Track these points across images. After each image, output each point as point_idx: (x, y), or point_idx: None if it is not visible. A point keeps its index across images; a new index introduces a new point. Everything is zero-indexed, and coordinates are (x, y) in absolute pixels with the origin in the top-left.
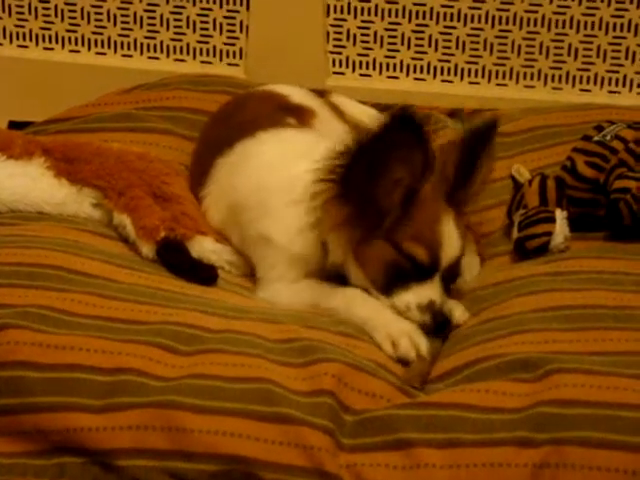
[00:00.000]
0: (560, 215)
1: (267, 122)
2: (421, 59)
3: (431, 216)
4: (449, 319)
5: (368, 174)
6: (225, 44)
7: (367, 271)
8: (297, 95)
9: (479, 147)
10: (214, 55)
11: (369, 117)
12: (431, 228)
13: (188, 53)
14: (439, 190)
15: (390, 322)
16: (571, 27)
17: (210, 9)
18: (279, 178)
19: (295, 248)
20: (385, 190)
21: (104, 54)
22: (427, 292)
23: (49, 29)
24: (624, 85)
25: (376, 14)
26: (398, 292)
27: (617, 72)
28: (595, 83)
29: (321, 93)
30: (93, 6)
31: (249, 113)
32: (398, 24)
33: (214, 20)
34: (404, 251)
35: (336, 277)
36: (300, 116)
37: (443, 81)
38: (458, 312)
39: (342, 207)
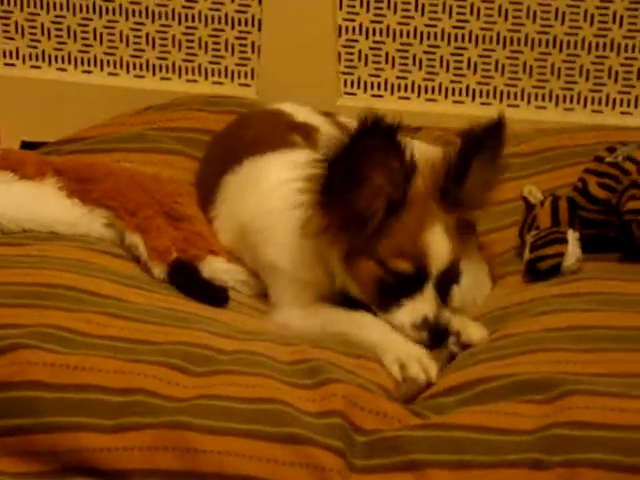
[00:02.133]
0: (572, 236)
1: (274, 140)
2: (432, 80)
3: (414, 225)
4: (447, 329)
5: (347, 182)
6: (237, 65)
7: (362, 290)
8: (301, 113)
9: (479, 145)
10: (226, 76)
11: None
12: (414, 238)
13: (200, 74)
14: (427, 194)
15: (399, 345)
16: (582, 48)
17: (222, 30)
18: (286, 202)
19: (302, 274)
20: (366, 198)
21: (116, 75)
22: (420, 307)
23: (62, 50)
24: (636, 106)
25: (388, 35)
26: (393, 309)
27: (629, 93)
28: (607, 104)
29: (327, 115)
30: (105, 27)
31: (255, 131)
32: (409, 45)
33: (226, 41)
34: (388, 267)
35: (347, 300)
36: (305, 133)
37: (454, 102)
38: (473, 330)
39: (324, 215)
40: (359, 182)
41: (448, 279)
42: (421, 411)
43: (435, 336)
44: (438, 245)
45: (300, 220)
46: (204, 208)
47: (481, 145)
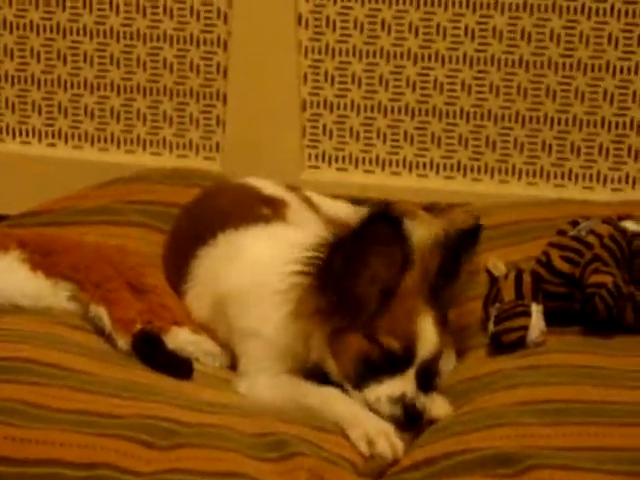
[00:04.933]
0: (536, 309)
1: (245, 213)
2: (396, 154)
3: (409, 311)
4: (422, 413)
5: (346, 268)
6: (201, 138)
7: (341, 364)
8: (268, 187)
9: (461, 249)
10: (190, 149)
11: (341, 211)
12: (408, 323)
13: (164, 147)
14: (420, 287)
15: (367, 421)
16: (545, 123)
17: (187, 103)
18: (267, 273)
19: (280, 341)
20: (362, 285)
21: (81, 148)
22: (399, 385)
23: (26, 123)
24: (598, 181)
25: (352, 109)
26: (370, 385)
27: (590, 168)
28: (569, 179)
29: (292, 189)
30: (70, 101)
31: (225, 204)
32: (373, 119)
33: (190, 114)
34: (379, 343)
35: (318, 375)
36: (274, 207)
37: (418, 175)
38: (438, 405)
39: (318, 298)
40: (358, 269)
41: (430, 370)
42: None
43: (409, 415)
44: (428, 334)
45: (291, 302)
46: (174, 280)
47: (463, 251)
